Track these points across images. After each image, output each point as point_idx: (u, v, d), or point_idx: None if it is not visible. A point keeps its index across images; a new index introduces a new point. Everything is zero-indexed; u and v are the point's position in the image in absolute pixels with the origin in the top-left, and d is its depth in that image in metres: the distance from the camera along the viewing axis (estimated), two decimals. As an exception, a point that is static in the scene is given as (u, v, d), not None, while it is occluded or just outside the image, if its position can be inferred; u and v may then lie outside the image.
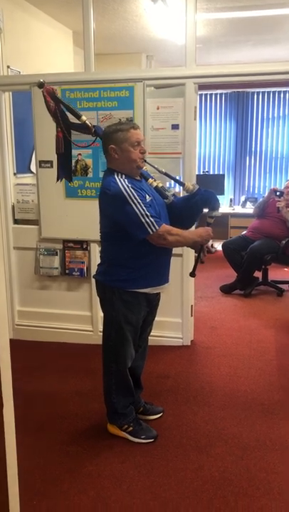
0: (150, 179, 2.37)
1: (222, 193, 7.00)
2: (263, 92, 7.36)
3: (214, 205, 2.40)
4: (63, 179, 2.81)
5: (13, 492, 1.39)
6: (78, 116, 2.39)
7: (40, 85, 2.36)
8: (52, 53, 4.77)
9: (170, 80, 3.36)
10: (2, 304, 1.30)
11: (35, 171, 3.68)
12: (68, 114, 2.45)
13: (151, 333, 2.65)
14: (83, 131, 2.43)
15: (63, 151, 2.44)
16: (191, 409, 2.77)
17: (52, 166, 3.48)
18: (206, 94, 7.52)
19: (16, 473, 1.41)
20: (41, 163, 3.54)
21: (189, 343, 3.67)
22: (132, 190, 2.16)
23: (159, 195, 2.38)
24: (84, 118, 2.39)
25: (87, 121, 2.40)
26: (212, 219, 2.43)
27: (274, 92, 7.31)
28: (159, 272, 2.38)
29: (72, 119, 2.45)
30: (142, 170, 2.34)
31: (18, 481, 1.43)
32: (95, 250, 3.56)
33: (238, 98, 7.45)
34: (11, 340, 1.38)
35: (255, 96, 7.40)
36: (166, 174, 2.46)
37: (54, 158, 3.39)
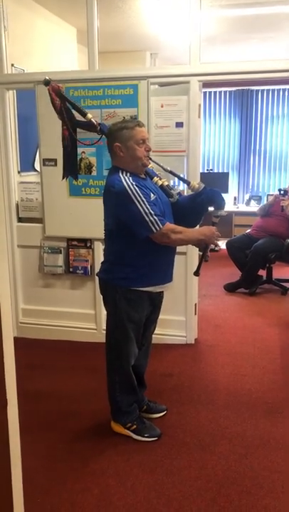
0: (155, 177, 2.37)
1: (226, 191, 7.00)
2: (268, 90, 7.33)
3: (220, 204, 2.39)
4: (67, 178, 2.80)
5: (17, 490, 1.40)
6: (84, 114, 2.39)
7: (46, 83, 2.36)
8: (56, 51, 4.77)
9: (174, 78, 3.35)
10: (6, 302, 1.30)
11: (39, 169, 3.68)
12: (74, 112, 2.45)
13: (155, 331, 2.65)
14: (89, 129, 2.42)
15: (70, 148, 2.44)
16: (195, 408, 2.76)
17: (56, 164, 3.48)
18: (210, 92, 7.50)
19: (20, 471, 1.42)
20: (45, 162, 3.54)
21: (193, 342, 3.67)
22: (137, 189, 2.16)
23: (164, 194, 2.37)
24: (89, 116, 2.39)
25: (92, 119, 2.39)
26: (217, 218, 2.42)
27: (278, 90, 7.28)
28: (162, 271, 2.37)
29: (77, 116, 2.45)
30: (148, 168, 2.34)
31: (22, 479, 1.44)
32: (99, 248, 3.56)
33: (243, 96, 7.43)
34: (15, 338, 1.38)
35: (260, 94, 7.38)
36: (171, 172, 2.46)
37: (58, 156, 3.40)
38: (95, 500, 2.06)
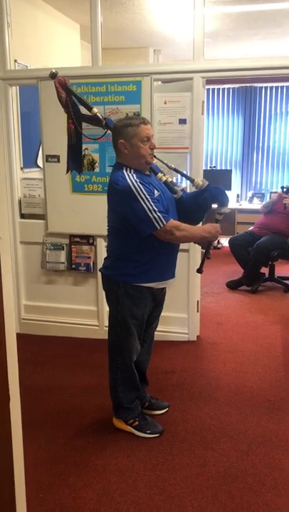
0: (159, 173, 2.37)
1: (229, 188, 6.98)
2: (271, 87, 7.30)
3: (223, 201, 2.39)
4: (71, 172, 2.79)
5: (19, 485, 1.40)
6: (89, 108, 2.39)
7: (53, 76, 2.35)
8: (59, 47, 4.76)
9: (178, 75, 3.34)
10: (9, 298, 1.30)
11: (41, 166, 3.68)
12: (80, 106, 2.45)
13: (157, 328, 2.65)
14: (94, 124, 2.42)
15: (74, 142, 2.43)
16: (197, 405, 2.77)
17: (59, 161, 3.48)
18: (213, 89, 7.48)
19: (22, 466, 1.42)
20: (48, 158, 3.54)
21: (195, 339, 3.67)
22: (140, 185, 2.16)
23: (168, 190, 2.37)
24: (95, 110, 2.39)
25: (98, 114, 2.39)
26: (221, 216, 2.42)
27: (282, 87, 7.26)
28: (165, 267, 2.37)
29: (83, 111, 2.45)
30: (153, 164, 2.34)
31: (25, 475, 1.44)
32: (101, 245, 3.56)
33: (246, 93, 7.41)
34: (17, 335, 1.38)
35: (263, 91, 7.35)
36: (175, 170, 2.45)
37: (61, 152, 3.41)
38: (96, 495, 2.06)
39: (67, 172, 2.59)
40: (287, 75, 3.27)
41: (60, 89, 2.35)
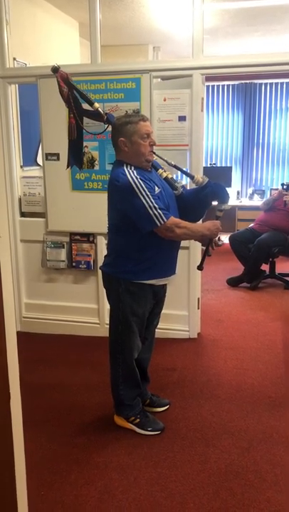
0: (160, 170, 2.36)
1: (229, 185, 6.97)
2: (271, 84, 7.28)
3: (223, 198, 2.39)
4: (71, 168, 2.78)
5: (21, 483, 1.40)
6: (91, 103, 2.38)
7: (55, 70, 2.35)
8: (58, 45, 4.75)
9: (177, 71, 3.33)
10: (9, 296, 1.30)
11: (41, 164, 3.67)
12: (81, 101, 2.44)
13: (158, 326, 2.65)
14: (95, 119, 2.42)
15: (75, 137, 2.43)
16: (198, 402, 2.77)
17: (58, 159, 3.48)
18: (213, 86, 7.47)
19: (23, 464, 1.42)
20: (48, 156, 3.53)
21: (196, 336, 3.67)
22: (141, 182, 2.15)
23: (169, 186, 2.37)
24: (97, 105, 2.39)
25: (99, 109, 2.39)
26: (221, 212, 2.41)
27: (282, 84, 7.24)
28: (166, 264, 2.37)
29: (84, 106, 2.44)
30: (153, 160, 2.33)
31: (26, 472, 1.44)
32: (102, 243, 3.56)
33: (246, 89, 7.39)
34: (18, 333, 1.39)
35: (263, 87, 7.33)
36: (175, 167, 2.45)
37: (60, 150, 3.41)
38: (98, 493, 2.07)
39: (67, 167, 2.57)
40: (287, 71, 3.26)
41: (62, 84, 2.34)
